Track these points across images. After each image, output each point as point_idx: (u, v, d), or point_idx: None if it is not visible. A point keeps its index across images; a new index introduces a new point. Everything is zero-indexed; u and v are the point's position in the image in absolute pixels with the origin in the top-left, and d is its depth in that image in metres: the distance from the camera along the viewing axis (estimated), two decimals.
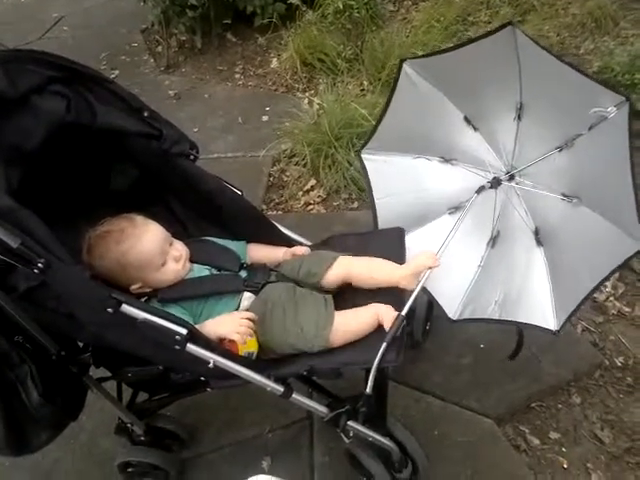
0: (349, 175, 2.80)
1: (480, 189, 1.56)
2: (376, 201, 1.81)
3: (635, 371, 2.01)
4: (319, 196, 2.86)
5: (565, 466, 1.79)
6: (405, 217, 1.76)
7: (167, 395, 1.61)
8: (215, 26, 4.05)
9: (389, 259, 1.49)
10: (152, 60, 4.20)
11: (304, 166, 2.97)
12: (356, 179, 2.79)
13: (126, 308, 1.16)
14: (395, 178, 1.79)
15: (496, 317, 1.64)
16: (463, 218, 1.54)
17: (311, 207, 2.83)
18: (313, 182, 2.92)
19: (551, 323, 1.56)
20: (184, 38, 4.18)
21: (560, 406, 1.95)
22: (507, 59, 1.33)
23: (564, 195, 1.48)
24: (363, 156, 1.80)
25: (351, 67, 3.50)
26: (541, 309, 1.58)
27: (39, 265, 1.06)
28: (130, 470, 1.70)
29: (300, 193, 2.91)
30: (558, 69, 1.21)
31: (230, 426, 1.91)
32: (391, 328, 1.31)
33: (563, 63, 1.21)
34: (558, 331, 1.55)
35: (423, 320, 1.95)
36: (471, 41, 1.39)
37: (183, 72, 4.05)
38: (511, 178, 1.57)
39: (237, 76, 3.94)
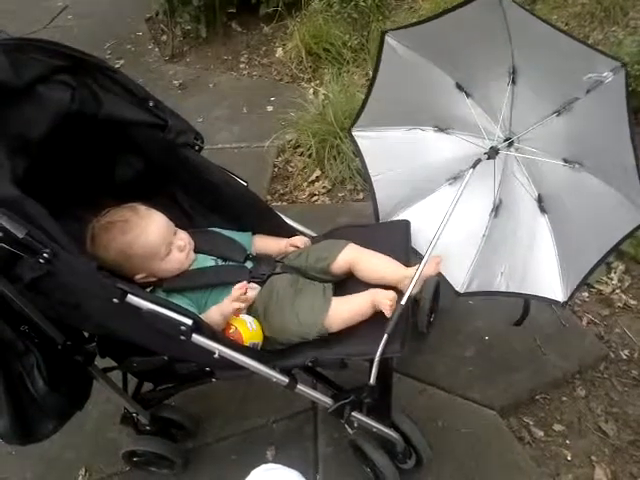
0: (354, 166, 2.78)
1: (476, 162, 1.49)
2: (373, 179, 1.78)
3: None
4: (324, 187, 2.85)
5: (569, 458, 1.79)
6: (404, 191, 1.74)
7: (172, 385, 1.62)
8: (220, 15, 4.03)
9: (394, 252, 1.49)
10: (157, 49, 4.18)
11: (309, 157, 2.96)
12: (361, 170, 2.77)
13: (131, 298, 1.16)
14: (390, 153, 1.76)
15: (503, 289, 1.62)
16: (460, 193, 1.46)
17: (316, 198, 2.82)
18: (318, 173, 2.91)
19: (559, 294, 1.53)
20: (189, 27, 4.15)
21: (564, 398, 1.94)
22: (495, 23, 1.28)
23: (565, 160, 1.43)
24: (354, 134, 1.75)
25: (357, 57, 3.48)
26: (548, 279, 1.55)
27: (45, 255, 1.06)
28: (135, 459, 1.72)
29: (305, 184, 2.90)
30: (550, 34, 1.18)
31: (235, 416, 1.91)
32: (391, 318, 1.31)
33: (555, 29, 1.17)
34: (566, 302, 1.52)
35: (427, 311, 1.94)
36: (455, 7, 1.33)
37: (188, 62, 4.03)
38: (509, 145, 1.52)
39: (242, 66, 3.92)
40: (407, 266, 1.46)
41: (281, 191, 2.91)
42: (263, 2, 3.93)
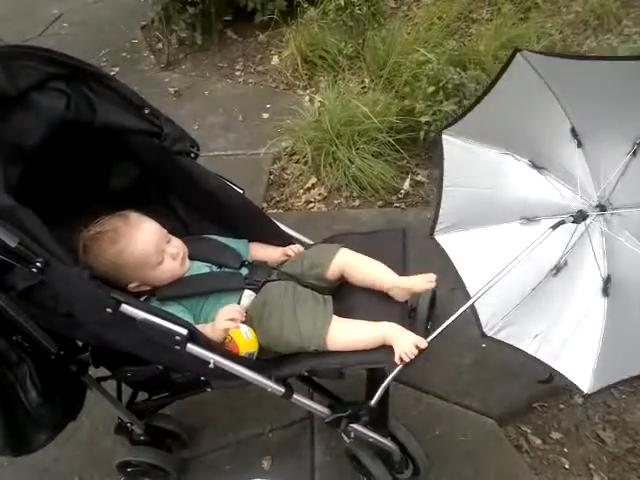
0: (350, 173, 2.78)
1: (559, 223, 1.37)
2: (445, 188, 1.67)
3: None
4: (320, 194, 2.84)
5: (567, 466, 1.79)
6: (472, 211, 1.65)
7: (167, 395, 1.61)
8: (215, 23, 4.03)
9: (389, 261, 1.47)
10: (152, 57, 4.17)
11: (305, 164, 2.96)
12: (357, 177, 2.77)
13: (125, 308, 1.14)
14: (473, 169, 1.65)
15: (530, 352, 1.54)
16: (529, 251, 1.36)
17: (312, 205, 2.82)
18: (314, 180, 2.90)
19: (585, 384, 1.43)
20: (184, 35, 4.15)
21: (562, 406, 1.94)
22: None
23: None
24: (444, 137, 1.63)
25: (352, 64, 3.48)
26: (581, 365, 1.45)
27: (37, 264, 1.05)
28: (130, 470, 1.70)
29: (301, 191, 2.90)
30: None
31: (230, 426, 1.90)
32: (411, 361, 1.27)
33: None
34: (589, 395, 1.43)
35: (425, 320, 1.93)
36: (609, 58, 1.26)
37: (183, 69, 4.03)
38: (600, 213, 1.41)
39: (237, 73, 3.92)
40: (404, 275, 1.45)
41: (277, 198, 2.90)
42: (258, 10, 3.94)
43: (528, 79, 1.38)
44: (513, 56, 1.35)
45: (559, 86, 1.38)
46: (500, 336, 1.61)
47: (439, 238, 1.75)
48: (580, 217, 1.40)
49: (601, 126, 1.38)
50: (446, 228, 1.74)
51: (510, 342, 1.60)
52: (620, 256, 1.41)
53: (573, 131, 1.44)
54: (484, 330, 1.63)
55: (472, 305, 1.55)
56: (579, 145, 1.44)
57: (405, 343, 1.28)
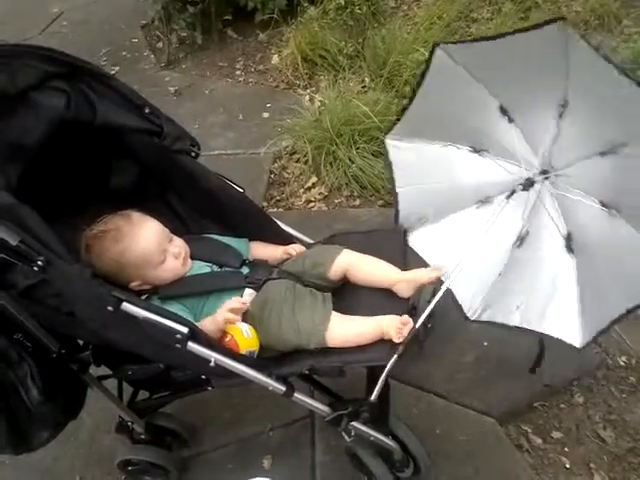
0: (350, 172, 2.78)
1: (511, 193, 1.45)
2: (398, 190, 1.74)
3: (638, 371, 2.00)
4: (320, 193, 2.85)
5: (567, 466, 1.79)
6: (428, 206, 1.70)
7: (168, 393, 1.60)
8: (215, 22, 4.03)
9: (390, 258, 1.47)
10: (152, 56, 4.17)
11: (305, 163, 2.96)
12: (358, 176, 2.77)
13: (126, 306, 1.14)
14: (421, 166, 1.71)
15: (516, 324, 1.57)
16: (490, 225, 1.44)
17: (312, 204, 2.82)
18: (314, 179, 2.91)
19: (576, 339, 1.48)
20: (184, 34, 4.15)
21: (563, 406, 1.94)
22: (555, 54, 1.24)
23: (602, 203, 1.38)
24: (387, 142, 1.71)
25: (352, 64, 3.48)
26: (566, 322, 1.50)
27: (39, 263, 1.05)
28: (130, 468, 1.70)
29: (301, 190, 2.90)
30: (612, 76, 1.14)
31: (231, 424, 1.90)
32: (404, 342, 1.29)
33: (617, 69, 1.13)
34: (582, 348, 1.48)
35: (425, 318, 1.93)
36: (515, 32, 1.30)
37: (183, 68, 4.03)
38: (546, 177, 1.48)
39: (238, 72, 3.92)
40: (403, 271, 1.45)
41: (277, 197, 2.90)
42: (259, 9, 3.94)
43: (450, 70, 1.46)
44: (433, 51, 1.45)
45: (480, 70, 1.45)
46: (483, 317, 1.65)
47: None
48: (528, 184, 1.47)
49: (526, 97, 1.45)
50: (409, 227, 1.78)
51: (495, 320, 1.63)
52: (574, 212, 1.48)
53: (502, 109, 1.51)
54: (467, 315, 1.67)
55: (452, 294, 1.63)
56: (510, 120, 1.51)
57: (394, 324, 1.30)
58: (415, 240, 1.77)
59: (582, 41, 1.17)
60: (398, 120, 1.66)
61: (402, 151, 1.71)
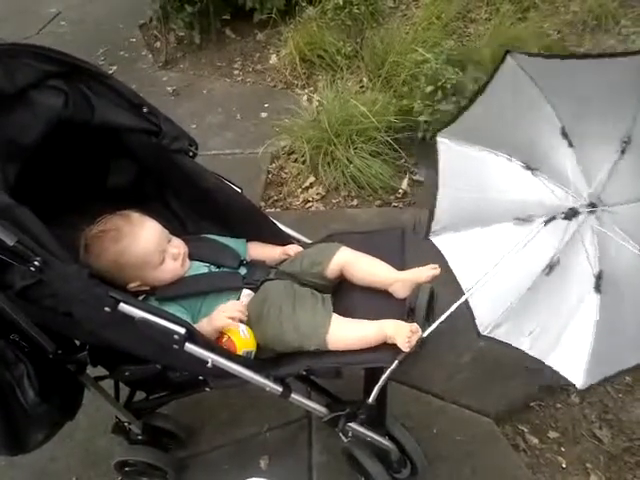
0: (348, 172, 2.78)
1: (550, 219, 1.42)
2: (439, 190, 1.69)
3: (634, 370, 2.00)
4: (318, 193, 2.84)
5: (564, 465, 1.79)
6: (466, 212, 1.68)
7: (165, 394, 1.60)
8: (214, 22, 4.02)
9: (388, 260, 1.47)
10: (150, 56, 4.17)
11: (303, 163, 2.95)
12: (355, 176, 2.77)
13: (124, 307, 1.14)
14: (467, 171, 1.68)
15: (525, 349, 1.56)
16: (521, 247, 1.41)
17: (310, 204, 2.82)
18: (312, 179, 2.90)
19: (578, 379, 1.46)
20: (182, 34, 4.14)
21: (559, 405, 1.94)
22: (629, 87, 1.20)
23: None
24: (439, 138, 1.66)
25: (351, 64, 3.48)
26: (574, 360, 1.47)
27: (35, 263, 1.05)
28: (127, 469, 1.70)
29: (299, 190, 2.89)
30: None
31: (228, 425, 1.90)
32: (411, 350, 1.28)
33: None
34: (582, 390, 1.47)
35: (423, 319, 1.94)
36: (596, 56, 1.27)
37: (181, 68, 4.02)
38: (592, 211, 1.43)
39: (236, 72, 3.91)
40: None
41: (275, 197, 2.90)
42: (257, 9, 3.93)
43: (519, 80, 1.40)
44: (504, 58, 1.38)
45: (549, 87, 1.40)
46: (495, 334, 1.63)
47: (434, 239, 1.76)
48: (571, 214, 1.43)
49: (590, 125, 1.40)
50: (441, 229, 1.75)
51: (505, 340, 1.62)
52: (611, 252, 1.44)
53: (563, 131, 1.46)
54: (479, 329, 1.65)
55: (468, 306, 1.60)
56: (570, 145, 1.46)
57: (404, 332, 1.28)
58: (444, 243, 1.75)
59: None
60: (454, 120, 1.61)
61: (451, 150, 1.66)
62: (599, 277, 1.46)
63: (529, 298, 1.57)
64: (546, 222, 1.42)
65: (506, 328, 1.61)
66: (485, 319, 1.64)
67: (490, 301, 1.61)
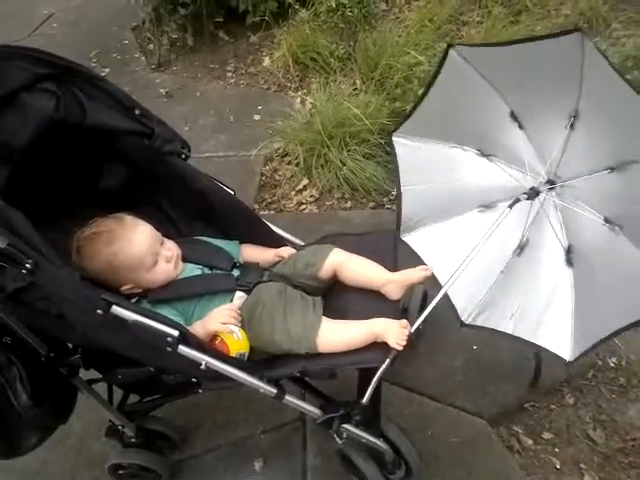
0: (342, 175, 2.79)
1: (515, 201, 1.44)
2: (403, 189, 1.73)
3: (628, 371, 2.01)
4: (312, 196, 2.85)
5: (558, 466, 1.80)
6: (431, 207, 1.70)
7: (158, 397, 1.59)
8: (207, 24, 4.02)
9: (381, 259, 1.48)
10: (143, 58, 4.16)
11: (296, 165, 2.96)
12: (349, 179, 2.78)
13: (116, 309, 1.14)
14: (426, 166, 1.71)
15: (509, 331, 1.57)
16: (492, 231, 1.43)
17: (304, 207, 2.82)
18: (306, 182, 2.91)
19: (566, 352, 1.48)
20: (175, 36, 4.14)
21: (553, 406, 1.95)
22: (570, 65, 1.24)
23: (606, 219, 1.39)
24: (395, 139, 1.70)
25: (344, 66, 3.49)
26: (559, 334, 1.50)
27: (27, 266, 1.04)
28: (121, 472, 1.69)
29: (292, 193, 2.90)
30: (626, 93, 1.14)
31: (222, 427, 1.89)
32: (404, 349, 1.28)
33: (630, 87, 1.13)
34: (571, 362, 1.48)
35: (416, 320, 1.94)
36: (533, 39, 1.31)
37: (174, 70, 4.02)
38: (551, 188, 1.47)
39: (229, 74, 3.91)
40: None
41: (268, 200, 2.90)
42: (250, 11, 3.93)
43: (464, 72, 1.45)
44: (447, 52, 1.44)
45: (493, 74, 1.45)
46: (477, 322, 1.65)
47: (406, 238, 1.80)
48: (533, 193, 1.46)
49: (538, 106, 1.45)
50: (410, 227, 1.79)
51: (488, 325, 1.63)
52: (576, 225, 1.48)
53: (513, 115, 1.51)
54: (462, 319, 1.67)
55: (448, 298, 1.62)
56: (520, 127, 1.51)
57: (394, 330, 1.29)
58: (415, 240, 1.78)
59: (599, 55, 1.16)
60: (407, 118, 1.65)
61: (408, 149, 1.69)
62: (569, 251, 1.51)
63: (505, 281, 1.60)
64: (511, 205, 1.45)
65: (488, 314, 1.63)
66: (466, 308, 1.66)
67: (468, 290, 1.64)
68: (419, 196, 1.73)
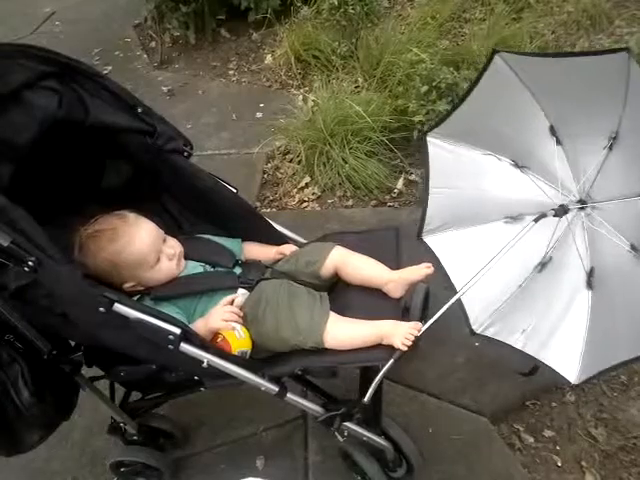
0: (344, 172, 2.78)
1: (541, 216, 1.42)
2: (431, 190, 1.71)
3: (629, 370, 2.01)
4: (313, 193, 2.85)
5: (559, 464, 1.80)
6: (457, 212, 1.69)
7: (160, 394, 1.60)
8: (209, 21, 4.03)
9: (383, 260, 1.48)
10: (145, 56, 4.17)
11: (298, 163, 2.96)
12: (351, 176, 2.78)
13: (118, 307, 1.14)
14: (457, 170, 1.69)
15: (519, 347, 1.56)
16: (514, 243, 1.40)
17: (305, 205, 2.82)
18: (307, 179, 2.91)
19: (572, 375, 1.46)
20: (178, 33, 4.14)
21: (554, 404, 1.95)
22: (615, 84, 1.22)
23: (632, 246, 1.36)
24: (429, 139, 1.68)
25: (346, 64, 3.48)
26: (567, 356, 1.47)
27: (30, 264, 1.05)
28: (123, 470, 1.70)
29: (294, 190, 2.90)
30: None
31: (224, 425, 1.90)
32: (409, 349, 1.28)
33: None
34: (576, 386, 1.47)
35: (418, 318, 1.94)
36: (580, 54, 1.30)
37: (176, 68, 4.02)
38: (581, 208, 1.45)
39: (231, 72, 3.91)
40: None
41: (270, 198, 2.90)
42: (252, 9, 3.94)
43: (506, 80, 1.43)
44: (491, 58, 1.41)
45: (536, 85, 1.42)
46: (488, 333, 1.63)
47: (427, 239, 1.78)
48: (561, 211, 1.43)
49: (578, 123, 1.42)
50: (433, 229, 1.77)
51: (498, 338, 1.62)
52: (602, 248, 1.45)
53: (552, 129, 1.48)
54: (473, 328, 1.66)
55: (461, 304, 1.61)
56: (558, 142, 1.48)
57: (401, 331, 1.29)
58: (436, 243, 1.76)
59: None
60: (443, 119, 1.63)
61: (442, 150, 1.68)
62: (590, 274, 1.47)
63: (522, 296, 1.58)
64: (536, 220, 1.43)
65: (499, 326, 1.62)
66: (478, 317, 1.65)
67: (483, 300, 1.62)
68: (446, 199, 1.71)
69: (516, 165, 1.60)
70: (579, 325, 1.47)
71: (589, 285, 1.47)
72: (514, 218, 1.62)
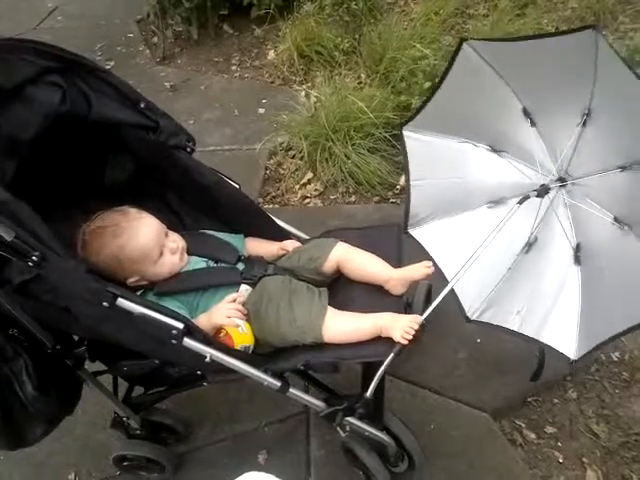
0: (346, 168, 2.78)
1: (524, 198, 1.43)
2: (412, 183, 1.72)
3: (631, 366, 2.01)
4: (316, 190, 2.85)
5: (561, 460, 1.80)
6: (440, 202, 1.70)
7: (163, 389, 1.61)
8: (211, 17, 4.02)
9: (384, 256, 1.48)
10: (148, 51, 4.16)
11: (301, 159, 2.95)
12: (353, 172, 2.77)
13: (122, 302, 1.14)
14: (436, 160, 1.70)
15: (515, 328, 1.57)
16: (500, 227, 1.42)
17: (308, 201, 2.82)
18: (310, 175, 2.90)
19: (571, 351, 1.47)
20: (180, 29, 4.14)
21: (556, 401, 1.95)
22: (584, 61, 1.23)
23: (616, 219, 1.38)
24: (405, 133, 1.69)
25: (349, 60, 3.48)
26: (564, 333, 1.49)
27: (34, 258, 1.05)
28: (126, 464, 1.70)
29: (297, 186, 2.90)
30: (637, 88, 1.13)
31: (226, 420, 1.90)
32: (410, 343, 1.28)
33: None
34: (576, 361, 1.47)
35: (419, 314, 1.94)
36: (547, 35, 1.30)
37: (179, 63, 4.02)
38: (561, 186, 1.47)
39: (233, 68, 3.91)
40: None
41: (273, 194, 2.90)
42: (255, 4, 3.92)
43: (476, 67, 1.44)
44: (460, 46, 1.42)
45: (506, 69, 1.44)
46: (483, 318, 1.64)
47: (413, 232, 1.80)
48: (543, 191, 1.45)
49: (550, 102, 1.44)
50: (418, 221, 1.78)
51: (494, 322, 1.63)
52: (586, 223, 1.47)
53: (525, 111, 1.50)
54: (467, 315, 1.66)
55: (454, 293, 1.62)
56: (532, 124, 1.50)
57: (401, 325, 1.29)
58: (423, 234, 1.77)
59: (613, 52, 1.15)
60: (417, 112, 1.64)
61: (419, 143, 1.69)
62: (577, 249, 1.50)
63: (512, 278, 1.60)
64: (520, 202, 1.45)
65: (494, 310, 1.63)
66: (472, 304, 1.66)
67: (475, 286, 1.63)
68: (428, 190, 1.72)
69: (493, 150, 1.62)
70: (572, 301, 1.49)
71: (577, 260, 1.49)
72: (497, 202, 1.64)
